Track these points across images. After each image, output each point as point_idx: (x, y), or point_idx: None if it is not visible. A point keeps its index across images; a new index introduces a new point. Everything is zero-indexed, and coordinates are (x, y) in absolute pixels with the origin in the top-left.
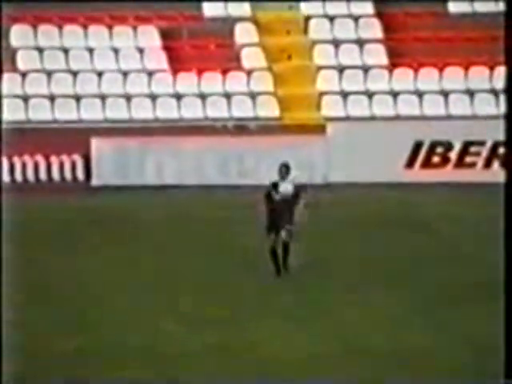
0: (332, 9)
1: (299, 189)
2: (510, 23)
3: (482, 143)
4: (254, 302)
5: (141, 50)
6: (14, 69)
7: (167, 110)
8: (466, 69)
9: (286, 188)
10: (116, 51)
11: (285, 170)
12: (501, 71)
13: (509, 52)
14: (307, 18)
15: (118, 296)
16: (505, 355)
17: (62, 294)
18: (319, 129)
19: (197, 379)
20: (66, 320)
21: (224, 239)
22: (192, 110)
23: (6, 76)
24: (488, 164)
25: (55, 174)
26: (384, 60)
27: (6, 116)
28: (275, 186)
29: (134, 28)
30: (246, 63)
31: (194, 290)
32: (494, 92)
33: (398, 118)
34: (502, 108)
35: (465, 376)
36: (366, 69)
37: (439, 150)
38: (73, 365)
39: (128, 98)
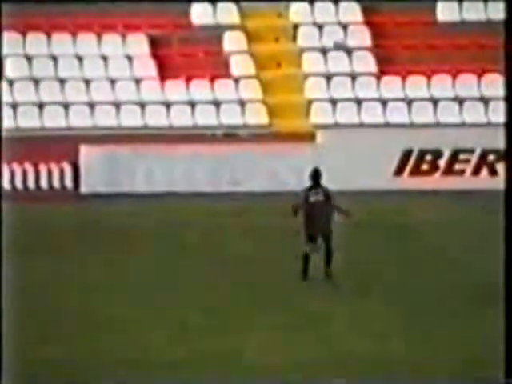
0: (321, 16)
1: (330, 193)
2: (510, 30)
3: (470, 151)
4: (244, 311)
5: (130, 58)
6: (2, 76)
7: (156, 118)
8: (455, 76)
9: (317, 194)
10: (105, 59)
11: (316, 175)
12: (489, 79)
13: (509, 59)
14: (296, 26)
15: (106, 303)
16: (505, 355)
17: (45, 304)
18: (308, 136)
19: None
20: (49, 327)
21: (215, 247)
22: (181, 118)
23: None
24: (477, 171)
25: (43, 182)
26: (373, 67)
27: None
28: (310, 189)
29: (123, 36)
30: (235, 71)
31: (181, 298)
32: (483, 100)
33: (386, 125)
34: (491, 116)
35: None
36: (354, 76)
37: (428, 157)
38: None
39: (117, 105)
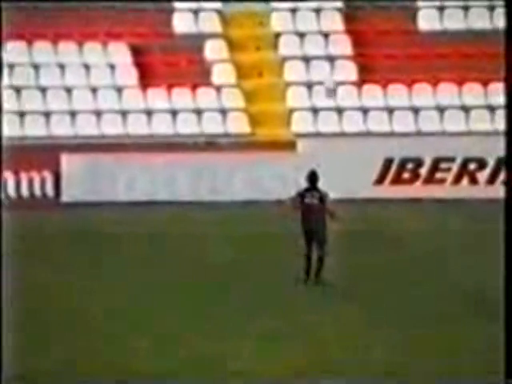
0: (302, 25)
1: (325, 197)
2: (510, 40)
3: (451, 159)
4: (224, 321)
5: (111, 66)
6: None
7: (138, 126)
8: (436, 85)
9: (313, 196)
10: (87, 67)
11: (313, 177)
12: (470, 88)
13: (509, 68)
14: (277, 35)
15: (87, 308)
16: (505, 355)
17: (28, 311)
18: (290, 145)
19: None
20: (34, 335)
21: (196, 256)
22: (163, 126)
23: None
24: (458, 180)
25: (24, 191)
26: (354, 76)
27: None
28: (306, 191)
29: (105, 44)
30: (217, 79)
31: (163, 307)
32: (464, 108)
33: (368, 134)
34: (472, 124)
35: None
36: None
37: (409, 166)
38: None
39: (98, 113)
